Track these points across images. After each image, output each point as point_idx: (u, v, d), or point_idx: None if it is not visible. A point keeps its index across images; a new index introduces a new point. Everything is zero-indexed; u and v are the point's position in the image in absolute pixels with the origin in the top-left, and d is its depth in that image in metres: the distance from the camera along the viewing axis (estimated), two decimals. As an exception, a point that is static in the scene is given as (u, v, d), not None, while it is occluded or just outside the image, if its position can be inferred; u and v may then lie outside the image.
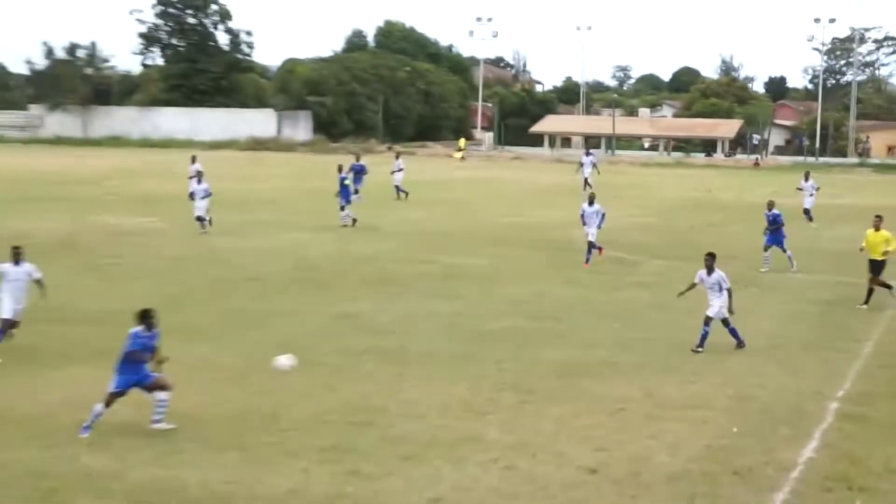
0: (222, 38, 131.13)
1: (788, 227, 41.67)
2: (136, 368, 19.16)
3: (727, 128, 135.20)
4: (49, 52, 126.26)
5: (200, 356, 24.89)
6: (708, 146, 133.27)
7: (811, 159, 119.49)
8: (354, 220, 49.06)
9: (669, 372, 24.29)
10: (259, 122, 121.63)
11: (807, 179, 59.33)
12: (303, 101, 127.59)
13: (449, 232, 47.98)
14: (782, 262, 38.83)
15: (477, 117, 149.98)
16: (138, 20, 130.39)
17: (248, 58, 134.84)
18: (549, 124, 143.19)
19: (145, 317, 19.58)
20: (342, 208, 49.57)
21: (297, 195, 63.24)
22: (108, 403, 19.05)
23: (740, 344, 26.62)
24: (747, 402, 22.21)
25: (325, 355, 25.15)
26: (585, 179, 74.76)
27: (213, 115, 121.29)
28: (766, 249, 40.03)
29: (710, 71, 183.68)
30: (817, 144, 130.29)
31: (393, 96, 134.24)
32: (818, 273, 39.01)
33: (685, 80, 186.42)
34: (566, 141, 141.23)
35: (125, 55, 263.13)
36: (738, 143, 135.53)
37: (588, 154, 79.83)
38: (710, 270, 26.57)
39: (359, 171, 61.59)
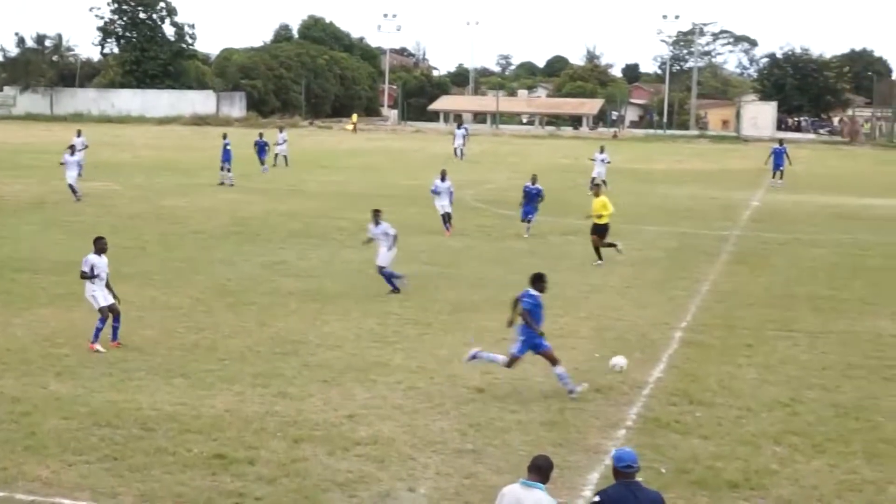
0: (169, 30, 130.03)
1: (619, 186, 41.94)
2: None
3: (591, 106, 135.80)
4: (20, 42, 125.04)
5: (151, 298, 24.60)
6: (575, 121, 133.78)
7: (660, 132, 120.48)
8: (232, 184, 48.84)
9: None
10: (200, 101, 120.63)
11: (601, 152, 54.54)
12: (237, 83, 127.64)
13: (361, 193, 47.71)
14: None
15: (384, 97, 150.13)
16: (97, 16, 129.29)
17: (191, 47, 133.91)
18: (444, 103, 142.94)
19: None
20: (225, 169, 49.62)
21: (232, 163, 62.49)
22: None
23: None
24: (606, 332, 22.38)
25: (257, 296, 24.95)
26: (455, 149, 73.65)
27: (161, 95, 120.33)
28: (525, 220, 35.59)
29: (577, 58, 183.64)
30: (665, 119, 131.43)
31: (314, 80, 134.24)
32: (665, 225, 39.35)
33: (557, 66, 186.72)
34: (458, 117, 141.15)
35: (87, 44, 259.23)
36: (600, 119, 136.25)
37: (459, 127, 78.57)
38: None
39: (262, 147, 58.93)
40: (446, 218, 36.05)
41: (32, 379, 17.99)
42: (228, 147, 50.38)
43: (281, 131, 65.15)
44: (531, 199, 35.31)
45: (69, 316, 22.54)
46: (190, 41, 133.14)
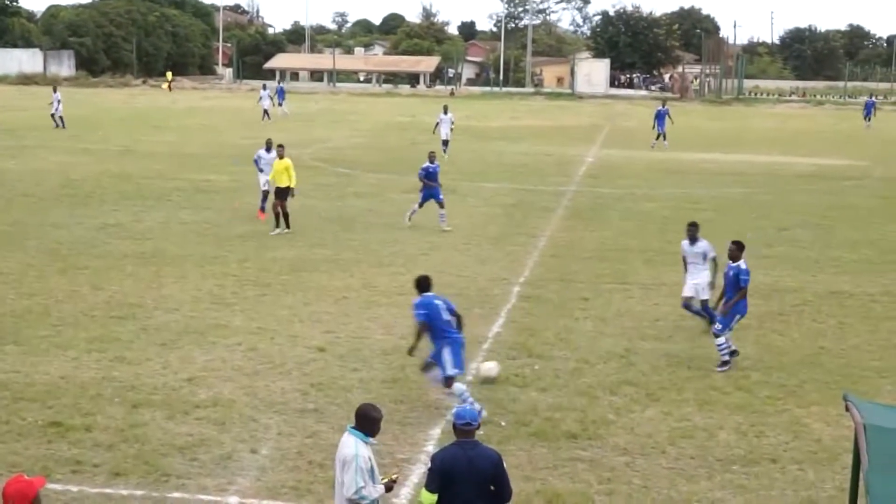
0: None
1: (457, 144, 42.24)
2: None
3: (428, 63, 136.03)
4: None
5: (-21, 264, 23.86)
6: (412, 79, 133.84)
7: (496, 89, 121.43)
8: None
9: (383, 266, 24.46)
10: (26, 60, 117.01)
11: (445, 112, 49.46)
12: (65, 41, 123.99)
13: (196, 153, 46.98)
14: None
15: (218, 55, 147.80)
16: None
17: (15, 4, 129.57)
18: (280, 61, 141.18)
19: None
20: None
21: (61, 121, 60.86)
22: None
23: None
24: (447, 288, 22.51)
25: (91, 259, 24.41)
26: (265, 111, 69.35)
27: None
28: (421, 206, 29.80)
29: (413, 16, 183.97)
30: (501, 77, 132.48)
31: (145, 38, 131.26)
32: (503, 182, 39.77)
33: (393, 24, 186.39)
34: (294, 75, 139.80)
35: None
36: (437, 77, 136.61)
37: (264, 88, 72.85)
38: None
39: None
40: (266, 195, 30.23)
41: None
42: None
43: (55, 91, 61.45)
44: (433, 178, 29.68)
45: None
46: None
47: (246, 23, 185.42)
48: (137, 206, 32.10)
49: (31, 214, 30.46)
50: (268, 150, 30.43)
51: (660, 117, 56.13)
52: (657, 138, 55.75)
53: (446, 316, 14.81)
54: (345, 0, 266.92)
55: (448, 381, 14.70)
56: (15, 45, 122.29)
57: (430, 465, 9.55)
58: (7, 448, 13.38)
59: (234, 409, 14.94)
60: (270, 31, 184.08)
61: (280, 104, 73.20)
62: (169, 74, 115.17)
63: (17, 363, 16.75)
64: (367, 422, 9.68)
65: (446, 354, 14.67)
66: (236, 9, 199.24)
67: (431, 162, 29.93)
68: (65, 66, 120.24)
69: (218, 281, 22.58)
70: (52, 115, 58.60)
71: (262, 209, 29.97)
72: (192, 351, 17.60)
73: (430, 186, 29.54)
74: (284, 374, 16.53)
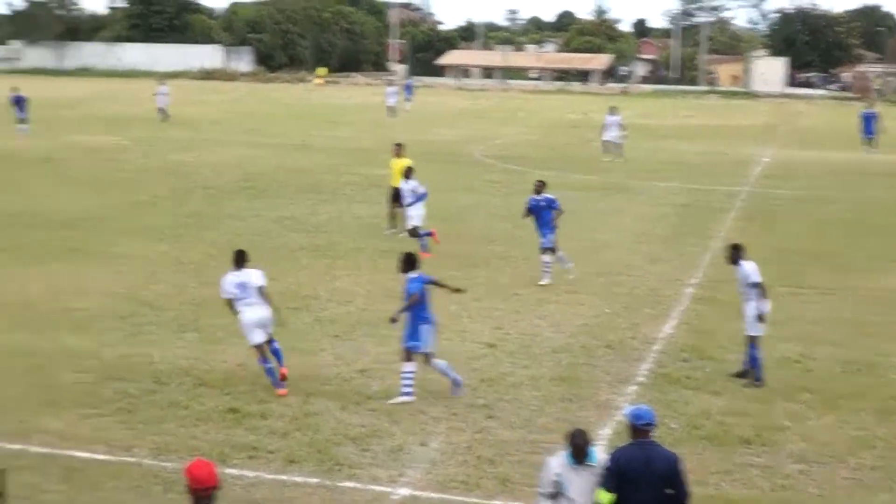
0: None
1: (629, 142, 41.66)
2: None
3: (600, 61, 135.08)
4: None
5: (162, 252, 24.67)
6: (584, 77, 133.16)
7: (670, 87, 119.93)
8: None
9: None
10: (207, 55, 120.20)
11: (613, 114, 46.36)
12: (245, 38, 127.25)
13: (369, 148, 47.65)
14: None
15: (392, 52, 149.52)
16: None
17: (196, 2, 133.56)
18: (451, 58, 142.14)
19: None
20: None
21: (240, 117, 62.39)
22: None
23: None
24: (616, 287, 22.43)
25: (267, 251, 24.92)
26: (392, 108, 67.22)
27: (168, 49, 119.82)
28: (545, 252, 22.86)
29: (585, 14, 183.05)
30: (674, 75, 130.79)
31: (320, 34, 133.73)
32: (675, 181, 39.27)
33: (565, 22, 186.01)
34: (465, 72, 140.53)
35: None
36: (610, 74, 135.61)
37: (390, 85, 72.07)
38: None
39: (18, 102, 51.12)
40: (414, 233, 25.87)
41: (46, 333, 18.09)
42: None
43: (161, 84, 62.10)
44: (542, 216, 23.01)
45: (79, 270, 22.63)
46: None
47: (418, 20, 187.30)
48: (312, 200, 32.74)
49: (210, 206, 31.34)
50: (407, 178, 26.19)
51: (867, 121, 52.19)
52: (868, 143, 51.52)
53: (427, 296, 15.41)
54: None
55: (407, 353, 15.24)
56: (196, 42, 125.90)
57: (607, 464, 9.47)
58: (187, 432, 13.82)
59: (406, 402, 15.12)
60: (442, 27, 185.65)
61: (407, 100, 73.48)
62: (320, 70, 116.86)
63: (197, 350, 17.28)
64: (571, 447, 9.52)
65: (423, 332, 15.23)
66: (409, 6, 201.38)
67: (537, 193, 23.36)
68: (243, 61, 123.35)
69: (391, 275, 22.78)
70: (161, 109, 58.59)
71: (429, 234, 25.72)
72: (364, 343, 17.87)
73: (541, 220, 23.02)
74: (454, 368, 16.63)
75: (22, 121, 48.78)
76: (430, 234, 25.30)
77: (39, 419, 14.18)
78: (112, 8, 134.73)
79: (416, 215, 25.68)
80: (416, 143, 49.03)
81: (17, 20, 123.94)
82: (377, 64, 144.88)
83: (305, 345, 17.75)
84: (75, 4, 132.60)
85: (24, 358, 16.73)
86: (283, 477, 12.62)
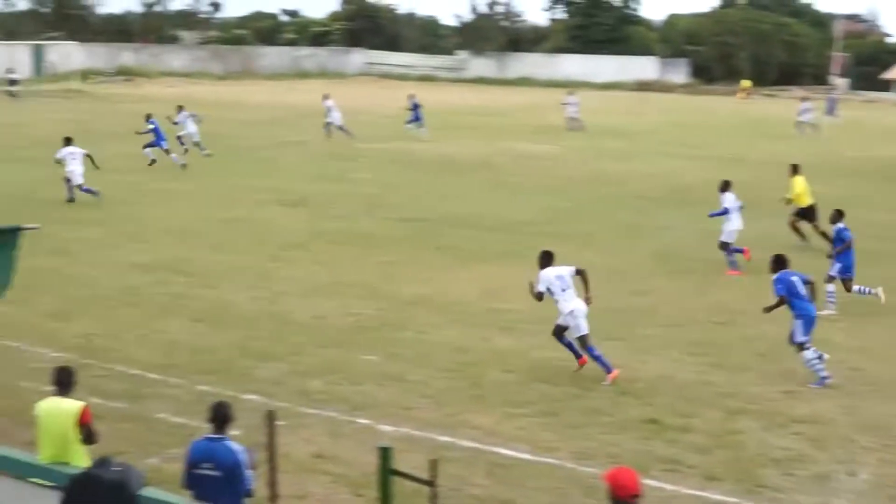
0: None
1: None
2: None
3: None
4: (474, 8, 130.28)
5: (590, 259, 24.90)
6: None
7: None
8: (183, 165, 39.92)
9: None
10: (644, 67, 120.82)
11: None
12: (681, 49, 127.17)
13: (807, 164, 46.05)
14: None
15: (834, 65, 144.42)
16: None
17: (635, 13, 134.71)
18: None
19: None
20: (167, 152, 40.28)
21: (673, 129, 62.16)
22: None
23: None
24: None
25: (696, 263, 24.79)
26: (806, 124, 60.96)
27: (605, 60, 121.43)
28: (831, 280, 20.98)
29: None
30: None
31: (759, 46, 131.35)
32: None
33: None
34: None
35: (535, 11, 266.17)
36: None
37: (805, 101, 64.67)
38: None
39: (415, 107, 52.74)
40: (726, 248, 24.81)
41: (477, 331, 18.81)
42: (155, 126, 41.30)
43: (570, 94, 61.66)
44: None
45: (510, 272, 23.30)
46: (635, 7, 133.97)
47: (864, 32, 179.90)
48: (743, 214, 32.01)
49: (639, 216, 31.45)
50: (723, 189, 25.74)
51: None
52: None
53: (802, 290, 16.57)
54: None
55: (799, 347, 16.52)
56: (633, 53, 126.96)
57: None
58: (608, 439, 13.92)
59: (833, 428, 14.53)
60: (889, 39, 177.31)
61: (832, 115, 69.37)
62: (745, 83, 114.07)
63: (622, 358, 17.35)
64: None
65: (798, 324, 16.46)
66: (856, 17, 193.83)
67: (833, 222, 21.51)
68: (679, 73, 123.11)
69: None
70: (571, 119, 58.69)
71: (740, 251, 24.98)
72: (791, 364, 17.29)
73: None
74: (888, 399, 15.81)
75: (413, 122, 52.10)
76: (740, 252, 24.54)
77: (467, 414, 14.75)
78: (553, 20, 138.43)
79: (726, 230, 24.86)
80: (849, 160, 47.09)
81: (465, 31, 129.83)
82: (817, 77, 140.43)
83: (730, 360, 17.45)
84: (519, 17, 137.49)
85: (457, 353, 17.46)
86: (702, 493, 12.45)
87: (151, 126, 39.64)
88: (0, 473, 10.84)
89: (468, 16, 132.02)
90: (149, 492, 9.53)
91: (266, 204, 31.83)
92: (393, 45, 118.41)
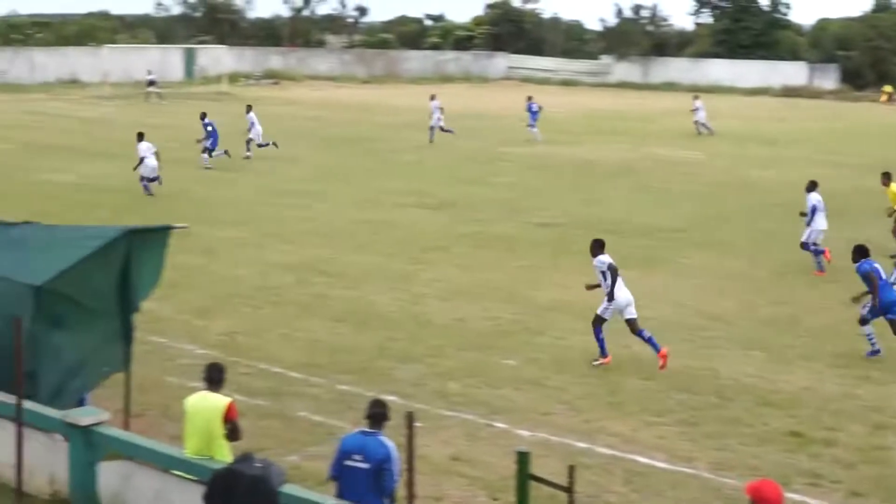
0: (763, 0, 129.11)
1: None
2: None
3: None
4: (619, 13, 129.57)
5: (733, 269, 24.63)
6: None
7: None
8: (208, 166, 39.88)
9: None
10: (791, 72, 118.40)
11: None
12: (832, 55, 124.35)
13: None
14: None
15: None
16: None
17: (785, 17, 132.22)
18: None
19: None
20: (209, 152, 40.34)
21: (821, 136, 60.82)
22: None
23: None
24: None
25: (839, 273, 23.93)
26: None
27: (752, 65, 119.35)
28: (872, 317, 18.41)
29: None
30: None
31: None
32: None
33: None
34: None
35: (681, 14, 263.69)
36: None
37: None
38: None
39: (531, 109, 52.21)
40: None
41: (616, 338, 18.54)
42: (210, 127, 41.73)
43: (696, 98, 59.99)
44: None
45: (651, 280, 23.12)
46: (784, 11, 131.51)
47: None
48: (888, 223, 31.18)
49: (784, 224, 30.73)
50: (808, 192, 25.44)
51: None
52: None
53: (884, 276, 17.96)
54: None
55: (862, 320, 18.02)
56: (781, 58, 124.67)
57: None
58: (748, 451, 13.71)
59: None
60: None
61: None
62: (888, 87, 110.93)
63: (763, 369, 17.10)
64: None
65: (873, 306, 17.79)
66: None
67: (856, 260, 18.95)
68: (828, 79, 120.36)
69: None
70: (700, 123, 57.17)
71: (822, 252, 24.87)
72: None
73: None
74: None
75: (531, 126, 51.75)
76: (822, 253, 24.43)
77: (605, 421, 14.67)
78: (698, 24, 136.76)
79: (809, 231, 24.71)
80: None
81: (609, 36, 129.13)
82: None
83: (877, 374, 17.03)
84: (665, 21, 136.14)
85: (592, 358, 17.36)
86: (846, 509, 12.18)
87: (209, 128, 40.71)
88: (147, 465, 11.15)
89: (613, 20, 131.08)
90: (289, 488, 9.70)
91: (407, 206, 32.11)
92: (536, 49, 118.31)
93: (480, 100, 69.56)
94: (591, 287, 18.07)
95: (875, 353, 17.88)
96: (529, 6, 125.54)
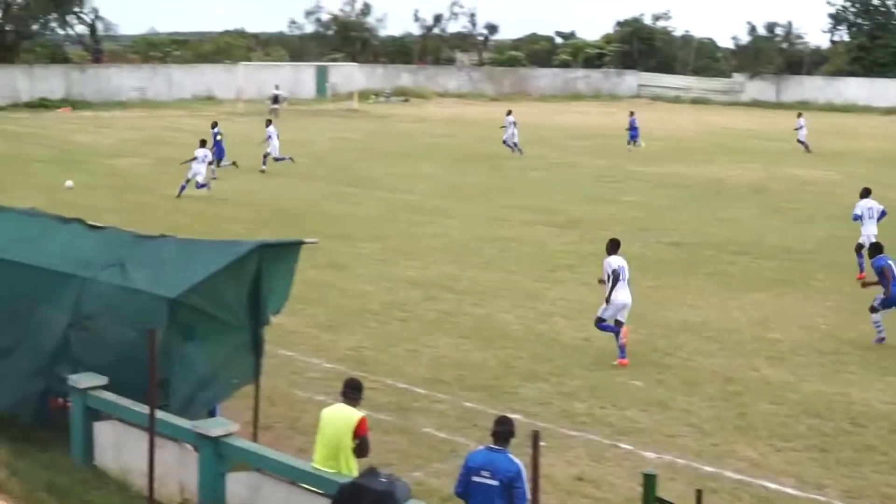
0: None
1: None
2: None
3: None
4: (752, 30, 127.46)
5: (866, 292, 23.96)
6: None
7: None
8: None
9: None
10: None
11: None
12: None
13: None
14: None
15: None
16: (828, 2, 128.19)
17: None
18: None
19: None
20: (217, 163, 40.53)
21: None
22: None
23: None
24: None
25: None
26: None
27: (890, 84, 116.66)
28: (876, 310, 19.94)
29: None
30: None
31: None
32: None
33: None
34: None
35: (816, 32, 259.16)
36: None
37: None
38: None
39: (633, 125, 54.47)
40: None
41: (745, 361, 18.39)
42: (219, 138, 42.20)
43: (799, 116, 59.15)
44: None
45: (782, 302, 22.73)
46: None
47: None
48: None
49: None
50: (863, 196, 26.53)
51: None
52: None
53: None
54: None
55: (873, 309, 19.55)
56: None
57: None
58: (882, 479, 13.37)
59: None
60: None
61: None
62: None
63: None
64: None
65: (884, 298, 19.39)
66: None
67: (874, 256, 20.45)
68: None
69: None
70: (801, 142, 56.66)
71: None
72: None
73: None
74: None
75: (632, 140, 53.44)
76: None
77: (733, 445, 14.44)
78: (834, 41, 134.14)
79: (863, 234, 25.53)
80: None
81: (742, 54, 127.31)
82: None
83: None
84: (800, 38, 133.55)
85: (722, 383, 17.11)
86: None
87: (217, 137, 41.77)
88: (274, 477, 11.31)
89: (745, 37, 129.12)
90: (413, 504, 9.75)
91: (535, 224, 32.07)
92: (667, 67, 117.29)
93: (611, 118, 69.01)
94: (600, 280, 18.88)
95: (881, 340, 19.52)
96: (661, 24, 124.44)
